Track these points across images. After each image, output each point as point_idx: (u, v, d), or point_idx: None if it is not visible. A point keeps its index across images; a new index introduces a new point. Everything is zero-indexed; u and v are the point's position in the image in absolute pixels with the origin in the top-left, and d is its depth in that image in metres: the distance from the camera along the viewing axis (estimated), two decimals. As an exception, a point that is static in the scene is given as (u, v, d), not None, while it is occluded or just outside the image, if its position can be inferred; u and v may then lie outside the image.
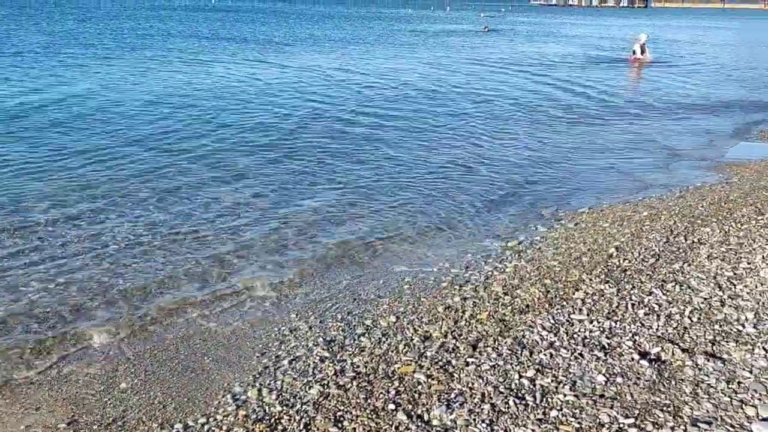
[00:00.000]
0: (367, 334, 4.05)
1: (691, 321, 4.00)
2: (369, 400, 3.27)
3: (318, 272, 5.17)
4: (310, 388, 3.43)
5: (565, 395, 3.23)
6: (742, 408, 3.08)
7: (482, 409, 3.14)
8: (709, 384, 3.29)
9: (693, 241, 5.51)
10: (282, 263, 5.30)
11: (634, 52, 21.97)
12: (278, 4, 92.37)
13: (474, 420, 3.06)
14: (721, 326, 3.91)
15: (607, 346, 3.71)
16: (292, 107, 12.61)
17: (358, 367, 3.63)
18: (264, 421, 3.17)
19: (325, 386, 3.44)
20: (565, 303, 4.33)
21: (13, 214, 6.19)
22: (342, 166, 8.40)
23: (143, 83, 15.15)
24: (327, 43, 28.72)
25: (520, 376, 3.41)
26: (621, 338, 3.80)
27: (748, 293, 4.36)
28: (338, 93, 14.59)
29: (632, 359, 3.55)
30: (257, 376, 3.64)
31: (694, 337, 3.79)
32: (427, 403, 3.21)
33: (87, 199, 6.68)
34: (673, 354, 3.59)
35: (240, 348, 4.02)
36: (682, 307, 4.19)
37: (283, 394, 3.41)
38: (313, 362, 3.73)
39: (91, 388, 3.58)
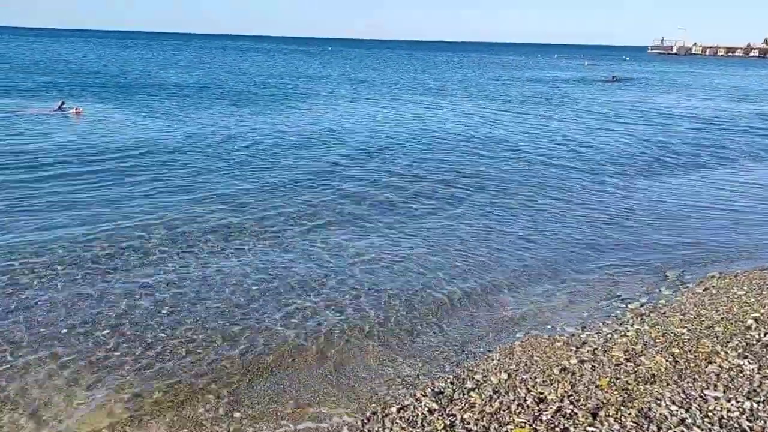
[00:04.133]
0: (477, 390, 3.92)
1: None
2: (479, 461, 3.14)
3: (425, 319, 5.11)
4: (418, 441, 3.35)
5: (699, 481, 2.92)
6: None
7: (603, 485, 2.91)
8: None
9: None
10: (390, 307, 5.31)
11: None
12: (385, 50, 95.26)
13: (594, 497, 2.84)
14: None
15: (748, 430, 3.33)
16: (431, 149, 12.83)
17: (469, 423, 3.51)
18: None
19: (434, 440, 3.35)
20: (696, 376, 3.96)
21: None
22: (448, 213, 8.37)
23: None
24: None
25: (647, 454, 3.13)
26: (765, 422, 3.40)
27: None
28: (456, 139, 14.71)
29: (779, 448, 3.16)
30: (365, 421, 3.62)
31: None
32: (542, 472, 3.03)
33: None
34: (829, 448, 3.16)
35: (347, 386, 4.04)
36: (839, 394, 3.69)
37: (391, 443, 3.36)
38: (422, 413, 3.65)
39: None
